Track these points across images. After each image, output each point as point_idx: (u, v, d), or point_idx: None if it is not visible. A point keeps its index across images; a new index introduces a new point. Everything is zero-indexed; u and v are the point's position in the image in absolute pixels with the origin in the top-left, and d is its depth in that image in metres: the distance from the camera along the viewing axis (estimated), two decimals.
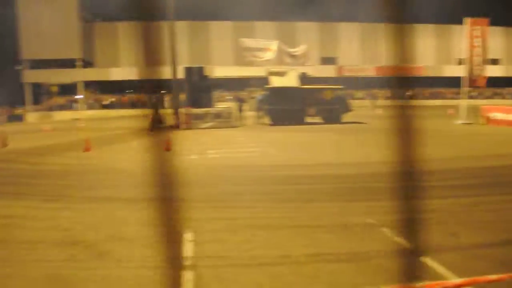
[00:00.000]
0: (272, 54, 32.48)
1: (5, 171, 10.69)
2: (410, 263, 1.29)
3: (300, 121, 23.46)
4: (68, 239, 5.06)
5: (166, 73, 39.64)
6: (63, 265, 4.29)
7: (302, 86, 23.62)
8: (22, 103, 48.14)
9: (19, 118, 45.92)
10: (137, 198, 7.17)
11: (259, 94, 27.43)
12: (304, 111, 23.75)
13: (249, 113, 26.78)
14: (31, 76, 47.69)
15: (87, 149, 13.81)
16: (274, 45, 32.88)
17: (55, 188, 8.10)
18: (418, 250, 1.24)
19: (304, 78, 24.26)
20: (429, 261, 3.93)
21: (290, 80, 23.96)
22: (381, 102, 44.49)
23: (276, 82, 23.80)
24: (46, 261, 4.41)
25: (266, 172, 9.43)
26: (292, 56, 33.70)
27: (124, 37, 52.58)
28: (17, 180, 9.23)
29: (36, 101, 49.46)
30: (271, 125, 23.21)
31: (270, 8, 48.20)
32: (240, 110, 25.33)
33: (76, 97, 49.15)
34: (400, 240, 1.33)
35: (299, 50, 34.06)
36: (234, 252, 4.57)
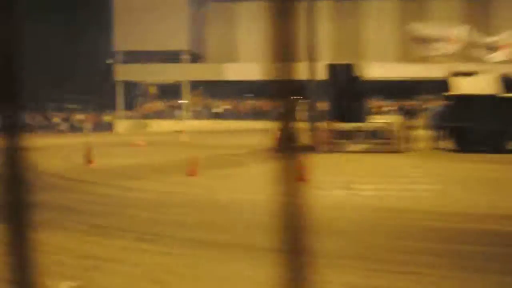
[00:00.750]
0: (457, 45, 31.31)
1: (91, 196, 11.69)
2: None
3: (502, 148, 22.02)
4: None
5: (301, 72, 40.52)
6: None
7: (507, 95, 22.24)
8: (112, 107, 52.77)
9: (108, 127, 50.46)
10: (255, 246, 7.27)
11: (436, 104, 26.51)
12: (510, 132, 22.27)
13: (421, 133, 25.92)
14: (124, 72, 51.90)
15: (191, 173, 14.51)
16: (460, 32, 31.71)
17: (150, 224, 8.59)
18: None
19: (509, 82, 22.86)
20: None
21: (486, 84, 22.77)
22: None
23: (463, 87, 22.78)
24: None
25: (444, 222, 8.96)
26: (490, 48, 32.13)
27: (244, 22, 54.86)
28: (105, 209, 10.01)
29: (130, 105, 53.76)
30: (455, 151, 22.17)
31: None
32: (407, 127, 24.65)
33: (180, 101, 52.38)
34: None
35: (500, 40, 32.35)
36: None
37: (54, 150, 24.98)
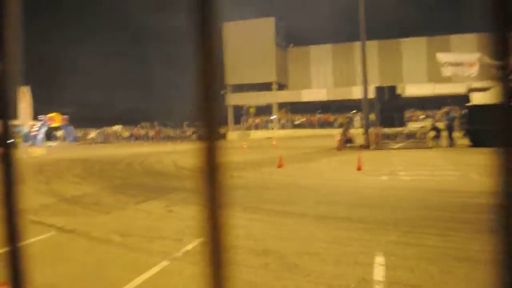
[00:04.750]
0: (475, 68, 29.51)
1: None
2: None
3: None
4: (260, 248, 5.41)
5: (356, 93, 40.23)
6: (257, 272, 4.59)
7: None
8: (225, 122, 54.50)
9: (222, 136, 52.17)
10: (326, 215, 7.28)
11: (456, 112, 25.24)
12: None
13: (445, 134, 24.80)
14: (232, 99, 53.40)
15: (280, 166, 14.67)
16: (476, 58, 29.84)
17: (251, 200, 8.79)
18: None
19: None
20: None
21: (495, 96, 21.47)
22: None
23: (478, 99, 21.57)
24: (243, 265, 4.79)
25: (464, 198, 8.55)
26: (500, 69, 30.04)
27: (314, 60, 54.86)
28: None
29: (237, 121, 55.21)
30: (470, 146, 21.01)
31: (468, 19, 44.18)
32: (435, 130, 23.68)
33: (271, 117, 52.95)
34: None
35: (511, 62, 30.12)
36: (428, 282, 4.23)
37: (188, 152, 25.94)
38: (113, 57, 65.12)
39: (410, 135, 22.24)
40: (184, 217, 7.43)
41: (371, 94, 25.15)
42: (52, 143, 49.44)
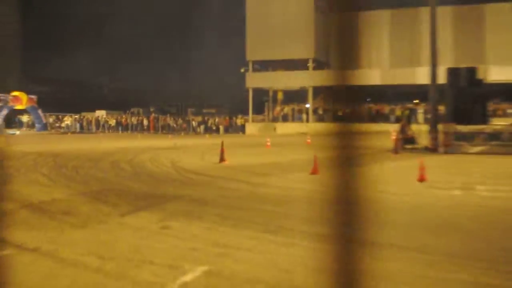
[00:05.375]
0: None
1: (224, 190, 12.07)
2: None
3: None
4: (286, 284, 5.35)
5: (421, 76, 39.89)
6: None
7: None
8: (244, 111, 54.22)
9: (239, 129, 51.95)
10: (376, 240, 7.16)
11: None
12: None
13: None
14: (255, 80, 53.13)
15: (314, 171, 14.55)
16: None
17: (275, 217, 8.73)
18: None
19: None
20: None
21: None
22: None
23: None
24: None
25: None
26: None
27: (368, 30, 54.27)
28: (235, 202, 10.32)
29: (259, 109, 54.91)
30: None
31: None
32: None
33: (306, 106, 52.57)
34: None
35: None
36: None
37: (192, 149, 26.03)
38: (97, 18, 65.80)
39: (494, 136, 21.81)
40: (184, 237, 7.42)
41: (442, 79, 24.76)
42: (16, 131, 50.35)
